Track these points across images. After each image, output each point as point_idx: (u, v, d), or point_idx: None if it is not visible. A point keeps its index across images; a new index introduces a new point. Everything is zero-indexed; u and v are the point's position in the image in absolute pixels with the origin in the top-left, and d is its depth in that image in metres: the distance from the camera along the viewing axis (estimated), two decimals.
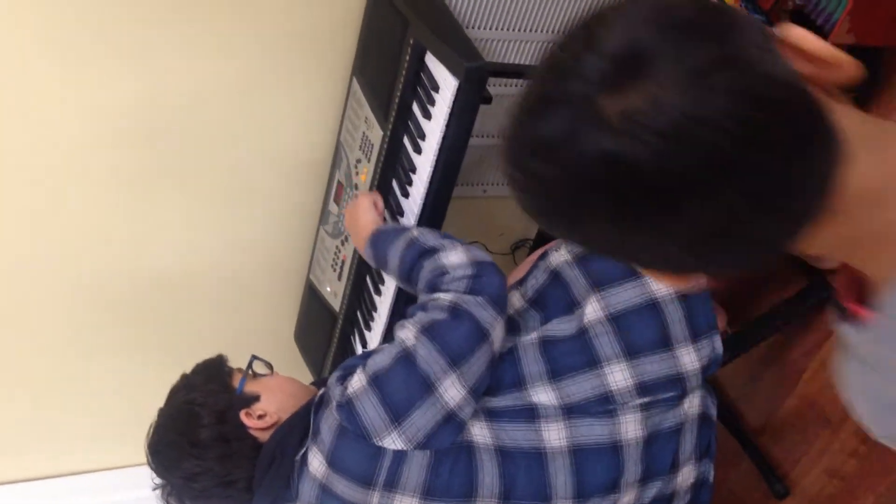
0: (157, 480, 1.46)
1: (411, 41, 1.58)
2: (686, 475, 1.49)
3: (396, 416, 1.32)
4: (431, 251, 1.44)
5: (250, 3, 1.73)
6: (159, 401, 1.48)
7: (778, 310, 1.79)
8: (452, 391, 1.33)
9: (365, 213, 1.64)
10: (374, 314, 1.88)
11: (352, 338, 2.01)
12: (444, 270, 1.40)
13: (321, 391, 1.46)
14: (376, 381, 1.34)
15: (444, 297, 1.36)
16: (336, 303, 2.02)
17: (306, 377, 2.08)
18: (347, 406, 1.34)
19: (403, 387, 1.33)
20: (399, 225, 1.65)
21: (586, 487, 1.39)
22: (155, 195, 1.95)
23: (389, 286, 1.79)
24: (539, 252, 1.62)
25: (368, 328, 1.91)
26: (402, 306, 1.78)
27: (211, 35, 1.74)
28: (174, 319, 2.21)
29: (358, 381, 1.36)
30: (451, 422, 1.34)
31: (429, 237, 1.47)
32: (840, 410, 1.74)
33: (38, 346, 2.12)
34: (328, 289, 2.06)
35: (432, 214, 1.64)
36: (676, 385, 1.42)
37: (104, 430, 2.33)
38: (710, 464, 1.53)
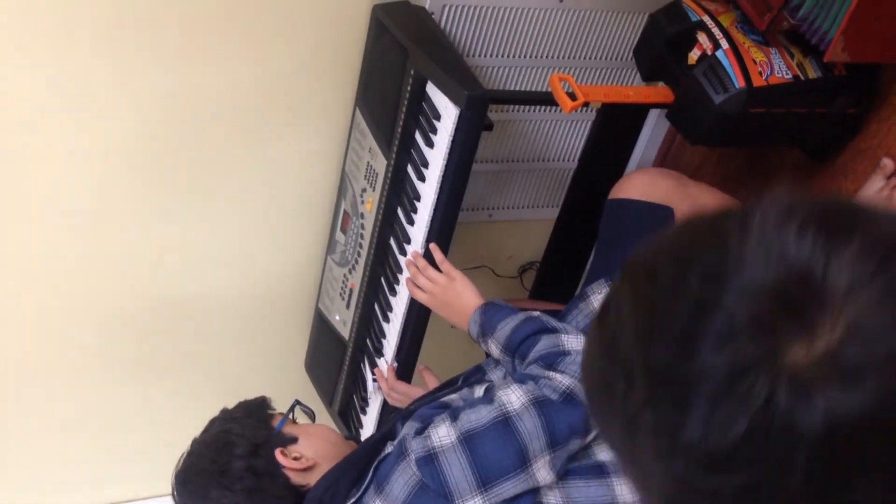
0: None
1: (412, 71, 1.60)
2: None
3: (485, 481, 1.27)
4: (553, 330, 1.41)
5: (253, 38, 1.75)
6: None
7: None
8: (544, 472, 1.29)
9: (467, 288, 1.59)
10: (383, 341, 1.89)
11: (362, 365, 2.02)
12: (566, 352, 1.36)
13: (381, 440, 1.42)
14: (469, 441, 1.28)
15: (562, 381, 1.32)
16: (345, 331, 2.03)
17: (318, 406, 2.09)
18: (431, 461, 1.28)
19: (497, 453, 1.28)
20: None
21: None
22: (161, 227, 1.97)
23: (398, 312, 1.80)
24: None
25: (380, 354, 1.92)
26: (411, 333, 1.79)
27: (214, 70, 1.77)
28: (184, 350, 2.21)
29: (446, 435, 1.30)
30: (532, 492, 1.32)
31: (551, 319, 1.45)
32: None
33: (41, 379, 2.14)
34: (337, 317, 2.07)
35: (438, 241, 1.65)
36: None
37: (101, 467, 2.33)
38: None
